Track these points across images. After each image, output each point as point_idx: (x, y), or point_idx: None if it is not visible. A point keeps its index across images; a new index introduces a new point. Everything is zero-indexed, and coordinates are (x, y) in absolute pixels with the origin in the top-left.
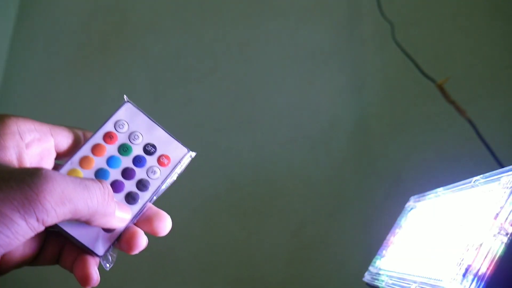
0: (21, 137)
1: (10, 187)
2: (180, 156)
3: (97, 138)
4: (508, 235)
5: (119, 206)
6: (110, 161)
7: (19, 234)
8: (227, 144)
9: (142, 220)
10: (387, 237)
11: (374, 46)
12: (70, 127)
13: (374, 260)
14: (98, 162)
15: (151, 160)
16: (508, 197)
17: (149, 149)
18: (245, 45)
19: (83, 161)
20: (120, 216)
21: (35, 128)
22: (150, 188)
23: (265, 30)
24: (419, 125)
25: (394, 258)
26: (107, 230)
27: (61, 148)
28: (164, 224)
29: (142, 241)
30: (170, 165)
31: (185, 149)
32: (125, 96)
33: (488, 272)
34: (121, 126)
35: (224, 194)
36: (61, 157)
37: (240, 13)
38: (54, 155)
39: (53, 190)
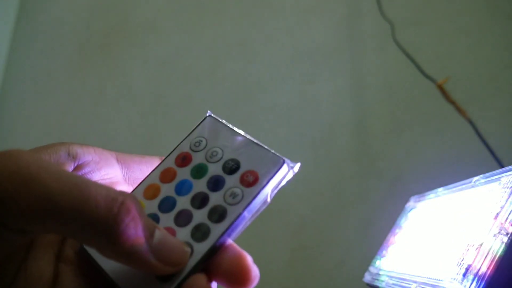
0: (69, 156)
1: None
2: (272, 171)
3: (169, 161)
4: (509, 235)
5: (162, 240)
6: (179, 186)
7: None
8: None
9: (215, 265)
10: (387, 237)
11: (374, 46)
12: (145, 155)
13: (374, 260)
14: (165, 189)
15: (231, 181)
16: (509, 197)
17: (229, 165)
18: (245, 45)
19: (148, 190)
20: (164, 255)
21: (95, 151)
22: (227, 218)
23: (265, 30)
24: (419, 125)
25: (394, 259)
26: (164, 278)
27: (134, 179)
28: (246, 275)
29: None
30: (258, 184)
31: (280, 160)
32: (208, 111)
33: (489, 272)
34: (197, 145)
35: None
36: None
37: (240, 13)
38: (123, 186)
39: (20, 173)
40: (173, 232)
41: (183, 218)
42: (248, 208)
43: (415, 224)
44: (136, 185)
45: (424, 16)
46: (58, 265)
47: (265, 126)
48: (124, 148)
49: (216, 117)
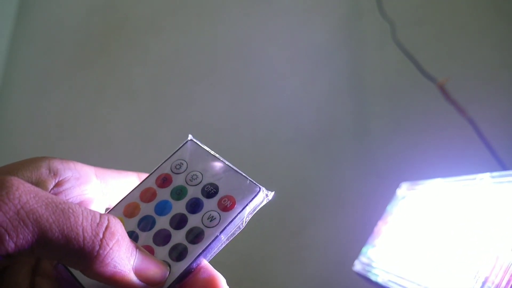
0: (50, 172)
1: None
2: (249, 197)
3: (149, 181)
4: None
5: (143, 260)
6: (159, 207)
7: None
8: (227, 144)
9: (189, 284)
10: (377, 225)
11: (374, 46)
12: (122, 170)
13: (364, 249)
14: (145, 209)
15: (209, 204)
16: None
17: (208, 190)
18: (245, 45)
19: (128, 209)
20: (145, 274)
21: (75, 166)
22: (204, 240)
23: (265, 29)
24: (419, 124)
25: (391, 252)
26: None
27: (111, 194)
28: None
29: None
30: (235, 209)
31: (256, 188)
32: (189, 135)
33: (509, 286)
34: (178, 167)
35: None
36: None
37: (240, 13)
38: (101, 201)
39: (12, 203)
40: (151, 251)
41: (161, 238)
42: (225, 231)
43: (409, 214)
44: (115, 200)
45: (424, 16)
46: (34, 279)
47: (265, 126)
48: (124, 148)
49: (197, 142)
